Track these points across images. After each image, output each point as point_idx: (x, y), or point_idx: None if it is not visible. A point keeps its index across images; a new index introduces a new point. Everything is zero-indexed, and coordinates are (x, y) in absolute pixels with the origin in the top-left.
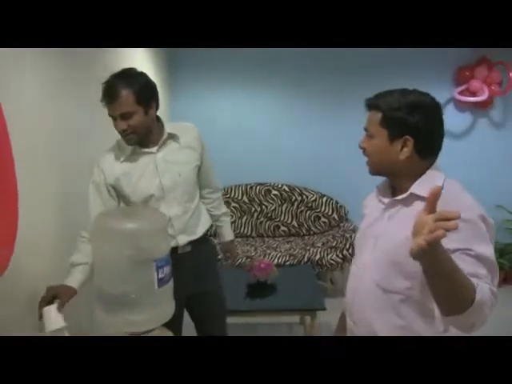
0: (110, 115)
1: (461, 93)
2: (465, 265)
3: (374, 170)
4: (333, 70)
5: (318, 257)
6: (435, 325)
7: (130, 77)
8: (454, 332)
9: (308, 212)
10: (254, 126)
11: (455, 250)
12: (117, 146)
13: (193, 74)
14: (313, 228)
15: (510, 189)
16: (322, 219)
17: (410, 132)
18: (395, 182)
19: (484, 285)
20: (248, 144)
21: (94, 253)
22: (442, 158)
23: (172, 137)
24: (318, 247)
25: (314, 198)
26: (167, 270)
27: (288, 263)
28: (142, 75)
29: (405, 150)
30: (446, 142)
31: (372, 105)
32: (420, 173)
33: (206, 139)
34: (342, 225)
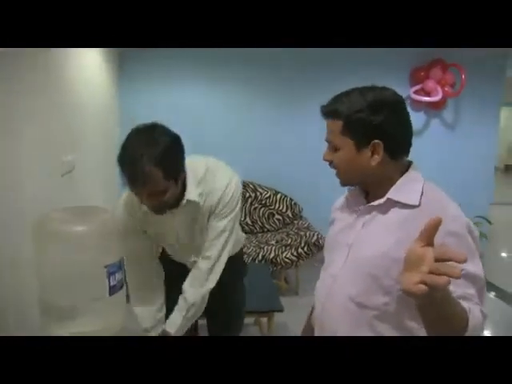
0: (138, 196)
1: (416, 92)
2: (454, 286)
3: (346, 183)
4: (288, 67)
5: (272, 255)
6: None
7: (152, 146)
8: None
9: (262, 209)
10: (206, 122)
11: None
12: None
13: (143, 66)
14: (266, 225)
15: (459, 189)
16: (276, 216)
17: (378, 135)
18: (370, 188)
19: (475, 308)
20: (200, 140)
21: (37, 260)
22: None
23: (192, 203)
24: (273, 245)
25: (267, 195)
26: (119, 276)
27: None
28: (164, 135)
29: (375, 156)
30: None
31: (329, 112)
32: (395, 175)
33: None
34: (296, 222)
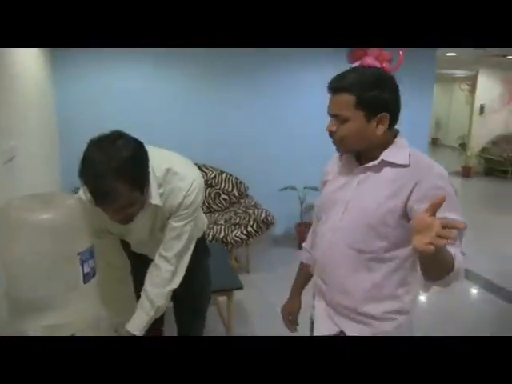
0: (104, 211)
1: None
2: None
3: (348, 150)
4: (230, 50)
5: (222, 234)
6: (405, 277)
7: (116, 159)
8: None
9: (208, 189)
10: (148, 105)
11: None
12: None
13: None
14: (213, 205)
15: None
16: (223, 196)
17: (385, 108)
18: (366, 153)
19: (457, 251)
20: (144, 120)
21: (2, 252)
22: None
23: (156, 206)
24: (221, 225)
25: (213, 175)
26: (92, 263)
27: None
28: (127, 145)
29: (380, 126)
30: None
31: (341, 88)
32: (389, 141)
33: (100, 113)
34: (242, 201)
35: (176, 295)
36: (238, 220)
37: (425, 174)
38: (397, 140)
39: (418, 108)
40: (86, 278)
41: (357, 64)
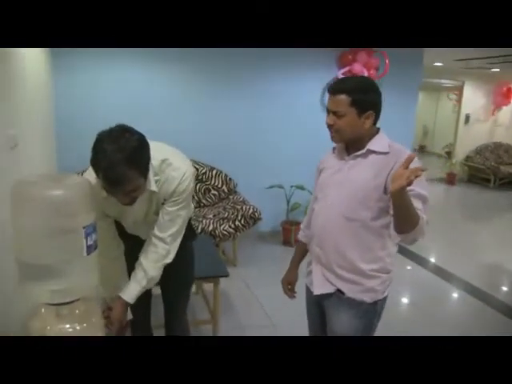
0: (113, 195)
1: (344, 74)
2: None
3: (344, 140)
4: (227, 51)
5: (211, 228)
6: (385, 243)
7: (126, 149)
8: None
9: (198, 184)
10: (142, 97)
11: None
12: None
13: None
14: (203, 200)
15: None
16: (212, 191)
17: (372, 108)
18: (355, 143)
19: (422, 214)
20: (137, 115)
21: (14, 224)
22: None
23: (152, 192)
24: (210, 218)
25: (204, 171)
26: (95, 237)
27: None
28: (133, 137)
29: (367, 121)
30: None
31: (341, 89)
32: (372, 134)
33: (90, 109)
34: (231, 197)
35: (163, 272)
36: (226, 215)
37: (399, 158)
38: (379, 134)
39: (403, 115)
40: (89, 249)
41: (346, 69)
